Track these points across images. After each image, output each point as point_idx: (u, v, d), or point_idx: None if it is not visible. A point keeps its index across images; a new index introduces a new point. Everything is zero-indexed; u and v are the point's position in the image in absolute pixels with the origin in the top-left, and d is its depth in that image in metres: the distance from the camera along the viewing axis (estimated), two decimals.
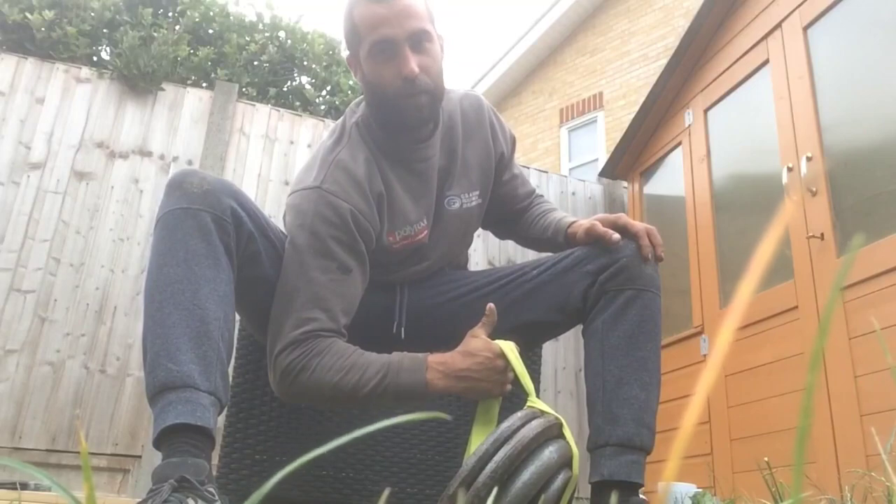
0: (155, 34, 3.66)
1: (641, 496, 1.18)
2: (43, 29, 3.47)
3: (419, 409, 1.29)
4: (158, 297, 1.04)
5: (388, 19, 1.20)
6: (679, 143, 3.63)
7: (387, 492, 1.37)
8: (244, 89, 3.96)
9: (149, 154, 3.36)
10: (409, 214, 1.31)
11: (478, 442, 1.14)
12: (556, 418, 1.11)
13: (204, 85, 3.84)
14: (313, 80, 4.24)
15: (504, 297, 1.33)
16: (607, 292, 1.25)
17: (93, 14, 3.62)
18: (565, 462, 1.08)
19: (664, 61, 4.06)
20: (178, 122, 3.46)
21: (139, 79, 3.39)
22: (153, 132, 3.40)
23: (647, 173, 3.97)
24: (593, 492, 1.18)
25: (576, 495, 1.13)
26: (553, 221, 1.46)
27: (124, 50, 3.38)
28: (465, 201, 1.39)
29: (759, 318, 2.77)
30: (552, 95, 7.61)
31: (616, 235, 1.27)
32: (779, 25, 2.94)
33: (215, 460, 1.20)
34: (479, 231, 1.60)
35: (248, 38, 4.10)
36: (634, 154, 4.03)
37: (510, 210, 1.55)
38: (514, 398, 1.29)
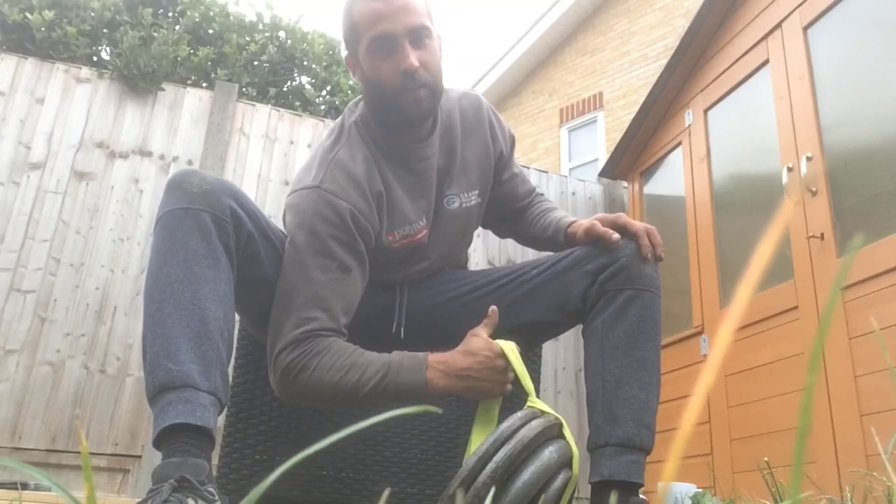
0: (155, 34, 3.66)
1: (641, 496, 1.18)
2: (43, 29, 3.47)
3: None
4: (158, 296, 1.04)
5: (388, 15, 1.20)
6: (679, 143, 3.63)
7: (387, 492, 1.37)
8: (244, 89, 3.96)
9: (149, 154, 3.36)
10: (409, 214, 1.31)
11: (478, 442, 1.14)
12: (556, 418, 1.11)
13: (204, 85, 3.84)
14: (313, 80, 4.24)
15: (504, 296, 1.33)
16: (607, 292, 1.25)
17: (93, 14, 3.62)
18: (565, 462, 1.08)
19: (664, 61, 4.06)
20: (178, 122, 3.46)
21: (139, 79, 3.39)
22: (153, 132, 3.40)
23: (647, 173, 3.97)
24: (593, 492, 1.18)
25: (576, 495, 1.13)
26: (553, 221, 1.46)
27: (124, 50, 3.38)
28: (465, 201, 1.39)
29: (759, 318, 2.77)
30: (552, 95, 7.61)
31: (616, 235, 1.27)
32: (779, 25, 2.94)
33: (215, 460, 1.20)
34: (479, 231, 1.60)
35: (248, 38, 4.10)
36: (634, 154, 4.03)
37: (510, 209, 1.55)
38: (514, 398, 1.29)
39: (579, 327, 1.33)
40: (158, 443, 0.97)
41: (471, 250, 1.61)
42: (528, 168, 4.22)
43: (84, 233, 3.13)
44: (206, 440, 0.97)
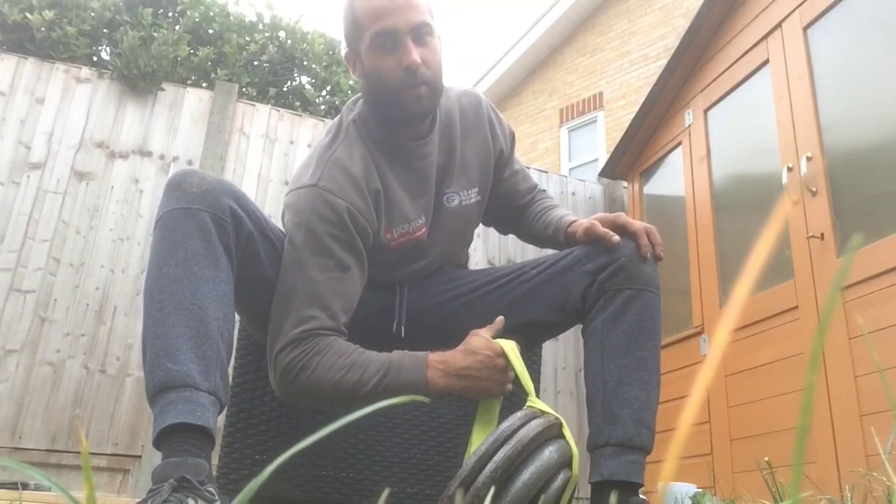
0: (155, 34, 3.66)
1: (641, 496, 1.18)
2: (43, 29, 3.47)
3: (418, 407, 1.29)
4: (158, 296, 1.04)
5: (391, 11, 1.21)
6: (679, 143, 3.63)
7: (387, 492, 1.37)
8: (244, 89, 3.96)
9: (149, 154, 3.36)
10: (407, 212, 1.31)
11: (478, 442, 1.14)
12: (556, 418, 1.11)
13: (204, 85, 3.84)
14: (313, 80, 4.24)
15: (504, 296, 1.33)
16: (606, 292, 1.24)
17: (93, 14, 3.62)
18: (565, 462, 1.08)
19: (664, 61, 4.06)
20: (178, 122, 3.46)
21: (139, 79, 3.39)
22: (153, 132, 3.40)
23: (647, 173, 3.97)
24: (593, 492, 1.18)
25: (576, 495, 1.13)
26: (554, 219, 1.46)
27: (124, 50, 3.38)
28: (465, 199, 1.39)
29: (759, 318, 2.77)
30: (552, 95, 7.61)
31: (616, 237, 1.26)
32: (779, 25, 2.93)
33: (215, 460, 1.20)
34: (479, 230, 1.60)
35: (248, 38, 4.10)
36: (634, 154, 4.03)
37: (512, 206, 1.55)
38: (514, 398, 1.29)
39: (579, 327, 1.32)
40: (158, 442, 0.97)
41: (471, 250, 1.61)
42: (528, 168, 4.21)
43: (84, 233, 3.13)
44: (206, 440, 0.97)
